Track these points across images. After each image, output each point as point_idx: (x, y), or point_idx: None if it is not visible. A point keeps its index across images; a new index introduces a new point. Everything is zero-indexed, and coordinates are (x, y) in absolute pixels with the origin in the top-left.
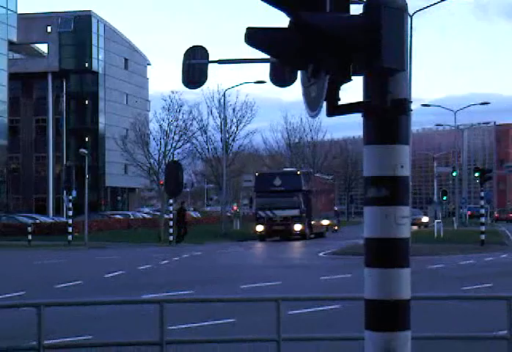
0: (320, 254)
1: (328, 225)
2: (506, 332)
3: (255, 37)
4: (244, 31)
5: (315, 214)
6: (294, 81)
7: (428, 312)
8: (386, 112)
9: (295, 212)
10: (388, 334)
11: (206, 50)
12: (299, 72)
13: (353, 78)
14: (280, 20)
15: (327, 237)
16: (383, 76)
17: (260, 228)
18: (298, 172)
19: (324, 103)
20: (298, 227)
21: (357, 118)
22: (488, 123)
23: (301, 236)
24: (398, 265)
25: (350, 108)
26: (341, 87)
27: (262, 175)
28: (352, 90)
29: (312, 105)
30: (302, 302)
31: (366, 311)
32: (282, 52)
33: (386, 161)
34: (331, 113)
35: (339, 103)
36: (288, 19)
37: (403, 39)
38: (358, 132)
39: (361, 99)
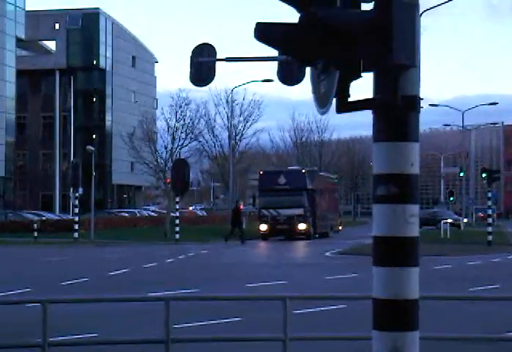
0: (327, 253)
1: (332, 225)
2: None
3: (265, 32)
4: (253, 28)
5: (319, 213)
6: (302, 79)
7: (436, 312)
8: (397, 109)
9: (300, 211)
10: (396, 334)
11: (214, 48)
12: (308, 69)
13: (363, 74)
14: (290, 15)
15: (331, 237)
16: (394, 72)
17: (263, 227)
18: (303, 171)
19: (334, 100)
20: (302, 226)
21: (364, 118)
22: (496, 124)
23: (305, 236)
24: (407, 264)
25: (360, 104)
26: (351, 84)
27: (267, 173)
28: (361, 88)
29: (322, 102)
30: (308, 301)
31: (374, 310)
32: (292, 48)
33: (396, 159)
34: (341, 109)
35: (349, 99)
36: (298, 15)
37: (414, 35)
38: (364, 132)
39: (370, 97)
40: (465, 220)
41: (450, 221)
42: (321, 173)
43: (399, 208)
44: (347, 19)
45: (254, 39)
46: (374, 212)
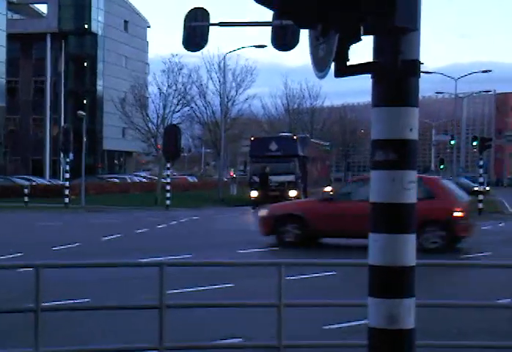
0: None
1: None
2: (510, 300)
3: None
4: None
5: (310, 180)
6: (295, 45)
7: (430, 279)
8: (397, 73)
9: (291, 177)
10: (392, 301)
11: (207, 13)
12: (306, 32)
13: (363, 37)
14: None
15: None
16: (394, 35)
17: (254, 194)
18: (295, 137)
19: (332, 64)
20: (293, 193)
21: (357, 85)
22: (488, 91)
23: None
24: (404, 231)
25: (360, 68)
26: (350, 47)
27: (258, 140)
28: (360, 53)
29: (320, 66)
30: (301, 268)
31: (370, 277)
32: (291, 9)
33: (395, 124)
34: (339, 73)
35: (348, 63)
36: None
37: None
38: (357, 99)
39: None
40: (487, 188)
41: (476, 188)
42: (313, 140)
43: (397, 174)
44: None
45: (248, 4)
46: (372, 178)
